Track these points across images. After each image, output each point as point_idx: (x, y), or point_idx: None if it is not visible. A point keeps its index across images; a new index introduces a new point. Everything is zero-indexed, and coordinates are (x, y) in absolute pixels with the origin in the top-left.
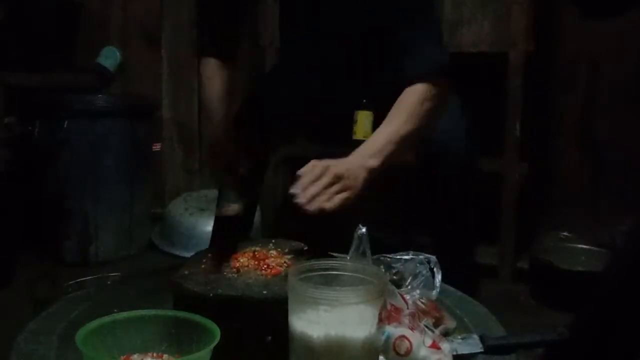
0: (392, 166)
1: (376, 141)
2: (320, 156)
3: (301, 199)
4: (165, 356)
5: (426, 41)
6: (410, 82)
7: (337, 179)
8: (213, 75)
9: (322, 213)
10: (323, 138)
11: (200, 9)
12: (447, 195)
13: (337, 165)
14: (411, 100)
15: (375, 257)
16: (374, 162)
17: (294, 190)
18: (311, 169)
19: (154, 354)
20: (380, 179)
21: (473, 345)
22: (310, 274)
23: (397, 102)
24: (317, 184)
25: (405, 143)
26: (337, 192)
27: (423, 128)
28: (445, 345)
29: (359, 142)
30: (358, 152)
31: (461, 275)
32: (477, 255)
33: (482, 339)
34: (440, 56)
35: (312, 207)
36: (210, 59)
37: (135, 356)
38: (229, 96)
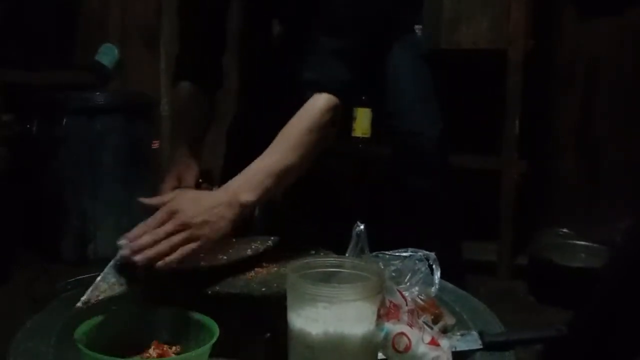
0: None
1: (256, 174)
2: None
3: (125, 250)
4: (165, 347)
5: (334, 59)
6: (306, 98)
7: (184, 226)
8: (187, 98)
9: (157, 268)
10: None
11: (181, 35)
12: (424, 191)
13: (187, 211)
14: (299, 127)
15: (373, 254)
16: (250, 197)
17: (121, 240)
18: (154, 215)
19: (157, 344)
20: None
21: (472, 341)
22: (309, 271)
23: (285, 127)
24: (155, 232)
25: (290, 175)
26: (183, 243)
27: (309, 158)
28: (444, 342)
29: (357, 139)
30: (231, 186)
31: (447, 271)
32: (466, 252)
33: (481, 335)
34: (342, 75)
35: (141, 258)
36: (186, 83)
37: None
38: (205, 121)
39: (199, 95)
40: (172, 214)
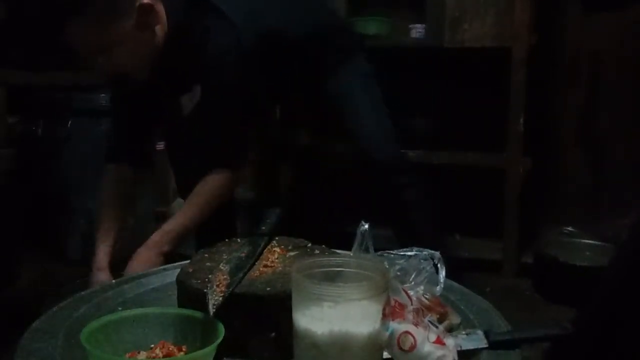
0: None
1: (173, 231)
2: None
3: None
4: (172, 347)
5: (227, 133)
6: (213, 169)
7: None
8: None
9: None
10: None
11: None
12: (388, 201)
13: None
14: (209, 192)
15: (378, 253)
16: (169, 248)
17: None
18: None
19: (163, 343)
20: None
21: (477, 340)
22: (314, 270)
23: (197, 189)
24: None
25: (195, 226)
26: None
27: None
28: (449, 341)
29: None
30: (156, 241)
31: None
32: (472, 250)
33: (486, 334)
34: (238, 149)
35: None
36: (113, 165)
37: (142, 352)
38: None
39: (126, 175)
40: None
